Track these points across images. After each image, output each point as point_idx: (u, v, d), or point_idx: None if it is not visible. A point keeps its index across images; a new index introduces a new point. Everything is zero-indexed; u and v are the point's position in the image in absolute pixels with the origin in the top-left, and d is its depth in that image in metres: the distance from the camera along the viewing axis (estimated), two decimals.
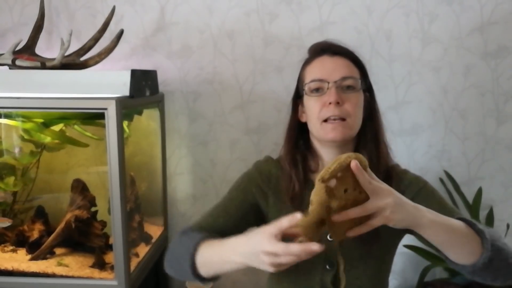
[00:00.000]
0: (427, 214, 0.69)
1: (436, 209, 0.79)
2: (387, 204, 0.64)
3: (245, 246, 0.66)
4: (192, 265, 0.75)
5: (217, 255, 0.73)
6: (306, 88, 0.86)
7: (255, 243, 0.63)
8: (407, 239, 1.44)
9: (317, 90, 0.84)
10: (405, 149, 1.46)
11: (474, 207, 1.40)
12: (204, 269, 0.75)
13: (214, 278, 0.79)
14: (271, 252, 0.60)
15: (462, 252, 0.72)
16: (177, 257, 0.80)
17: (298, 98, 0.91)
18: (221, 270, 0.74)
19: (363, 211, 0.65)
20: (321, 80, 0.83)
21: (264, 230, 0.62)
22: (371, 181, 0.65)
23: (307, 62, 0.90)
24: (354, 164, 0.63)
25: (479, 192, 1.43)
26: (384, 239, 0.87)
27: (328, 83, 0.82)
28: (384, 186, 0.67)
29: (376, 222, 0.65)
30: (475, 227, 0.73)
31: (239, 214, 0.88)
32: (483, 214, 1.45)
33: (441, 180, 1.44)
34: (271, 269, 0.62)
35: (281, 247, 0.59)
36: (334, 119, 0.82)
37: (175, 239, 0.86)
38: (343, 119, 0.82)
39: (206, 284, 0.79)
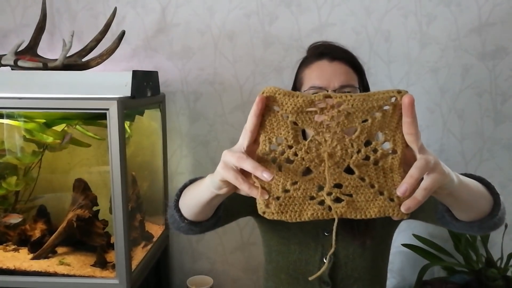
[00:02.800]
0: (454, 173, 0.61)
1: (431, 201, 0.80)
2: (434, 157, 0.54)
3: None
4: (176, 206, 0.75)
5: (195, 185, 0.72)
6: None
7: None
8: (406, 237, 1.46)
9: None
10: None
11: None
12: (184, 207, 0.74)
13: (202, 224, 0.75)
14: (226, 157, 0.53)
15: (475, 211, 0.68)
16: (170, 204, 0.80)
17: None
18: (196, 203, 0.69)
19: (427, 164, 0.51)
20: (320, 88, 0.84)
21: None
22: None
23: (305, 63, 0.90)
24: (408, 99, 0.50)
25: None
26: (379, 230, 0.88)
27: (327, 91, 0.83)
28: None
29: (436, 178, 0.51)
30: (490, 186, 0.71)
31: (236, 199, 0.87)
32: None
33: None
34: (218, 177, 0.55)
35: (236, 155, 0.51)
36: None
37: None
38: None
39: (189, 225, 0.76)
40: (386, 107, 0.52)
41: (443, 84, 1.43)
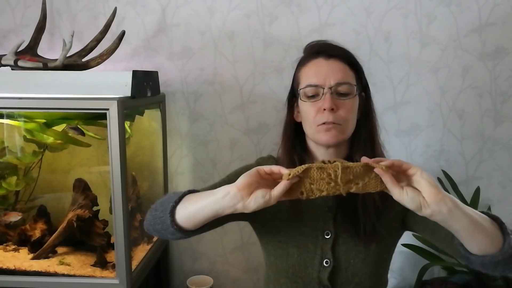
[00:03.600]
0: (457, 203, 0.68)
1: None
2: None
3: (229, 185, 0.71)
4: (172, 211, 0.75)
5: (200, 196, 0.75)
6: (301, 92, 0.86)
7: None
8: (406, 238, 1.46)
9: (312, 96, 0.84)
10: (404, 149, 1.48)
11: (472, 206, 1.39)
12: (183, 214, 0.75)
13: (186, 232, 0.77)
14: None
15: (480, 243, 0.69)
16: (163, 202, 0.80)
17: (293, 97, 0.92)
18: (199, 213, 0.73)
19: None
20: (316, 86, 0.83)
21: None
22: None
23: (302, 63, 0.90)
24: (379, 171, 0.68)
25: (477, 192, 1.44)
26: (384, 238, 0.87)
27: (323, 88, 0.82)
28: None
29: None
30: (498, 220, 0.72)
31: None
32: None
33: (439, 180, 1.46)
34: (234, 190, 0.69)
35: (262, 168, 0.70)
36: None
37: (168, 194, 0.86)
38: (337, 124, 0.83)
39: (178, 232, 0.77)
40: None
41: (443, 84, 1.43)
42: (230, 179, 0.89)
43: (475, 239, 0.69)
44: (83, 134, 1.25)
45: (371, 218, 0.85)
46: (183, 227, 0.76)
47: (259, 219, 0.92)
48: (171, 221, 0.75)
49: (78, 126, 1.25)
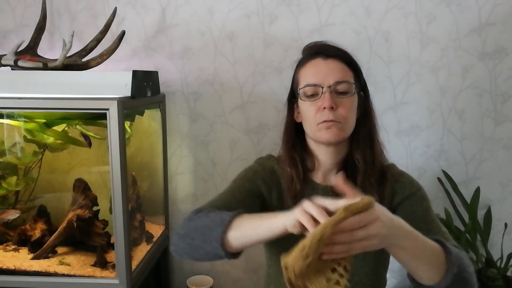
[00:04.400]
0: (406, 227, 0.66)
1: (419, 215, 0.81)
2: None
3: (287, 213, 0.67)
4: (222, 235, 0.71)
5: (257, 221, 0.71)
6: (300, 92, 0.86)
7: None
8: None
9: (312, 95, 0.85)
10: (404, 149, 1.48)
11: (472, 206, 1.41)
12: (235, 237, 0.71)
13: (236, 254, 0.74)
14: (306, 205, 0.63)
15: (427, 272, 0.68)
16: (203, 230, 0.75)
17: (293, 98, 0.92)
18: (253, 237, 0.70)
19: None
20: (315, 85, 0.84)
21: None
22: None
23: (301, 64, 0.90)
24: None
25: (477, 192, 1.44)
26: None
27: (322, 88, 0.83)
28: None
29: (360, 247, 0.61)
30: (446, 249, 0.69)
31: (247, 202, 0.87)
32: (481, 213, 1.46)
33: (439, 180, 1.46)
34: (296, 219, 0.63)
35: (317, 201, 0.62)
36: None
37: (193, 216, 0.80)
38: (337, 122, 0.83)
39: (229, 258, 0.74)
40: None
41: (443, 84, 1.43)
42: (239, 185, 0.89)
43: (420, 265, 0.67)
44: (90, 144, 1.25)
45: None
46: (234, 252, 0.73)
47: None
48: (221, 245, 0.71)
49: (86, 134, 1.25)
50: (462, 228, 1.41)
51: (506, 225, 1.43)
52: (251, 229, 0.71)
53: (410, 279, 0.72)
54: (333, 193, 0.85)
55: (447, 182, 1.44)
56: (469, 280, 0.70)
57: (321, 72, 0.84)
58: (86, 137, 1.24)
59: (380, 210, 0.62)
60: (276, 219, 0.67)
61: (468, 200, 1.43)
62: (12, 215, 1.27)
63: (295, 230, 0.63)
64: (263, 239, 0.69)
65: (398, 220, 0.65)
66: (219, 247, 0.71)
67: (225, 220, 0.73)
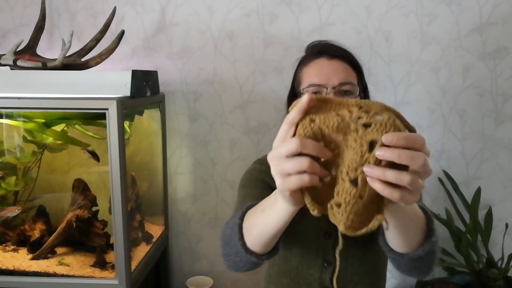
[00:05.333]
0: None
1: None
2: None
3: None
4: (240, 237, 0.69)
5: (260, 210, 0.67)
6: (304, 92, 0.86)
7: None
8: None
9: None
10: None
11: (473, 206, 1.41)
12: (253, 241, 0.68)
13: (270, 252, 0.71)
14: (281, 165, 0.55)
15: (411, 237, 0.65)
16: (228, 241, 0.73)
17: (293, 96, 0.92)
18: (268, 235, 0.66)
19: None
20: (319, 86, 0.83)
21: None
22: None
23: (304, 62, 0.90)
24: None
25: (478, 192, 1.43)
26: (378, 234, 0.88)
27: (327, 88, 0.83)
28: None
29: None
30: (428, 216, 0.67)
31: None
32: (482, 213, 1.45)
33: (440, 180, 1.45)
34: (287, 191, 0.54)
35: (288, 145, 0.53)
36: None
37: (223, 229, 0.78)
38: None
39: (266, 259, 0.70)
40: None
41: (444, 83, 1.42)
42: (251, 191, 0.88)
43: (406, 233, 0.64)
44: (98, 159, 1.24)
45: None
46: (265, 252, 0.69)
47: None
48: (244, 247, 0.68)
49: (76, 126, 1.24)
50: (463, 228, 1.40)
51: (507, 225, 1.42)
52: (259, 228, 0.67)
53: (384, 245, 0.69)
54: None
55: (448, 182, 1.44)
56: (437, 253, 0.69)
57: (325, 72, 0.84)
58: (93, 153, 1.24)
59: None
60: (272, 202, 0.62)
61: (469, 200, 1.42)
62: (13, 212, 1.27)
63: (291, 199, 0.56)
64: (277, 230, 0.64)
65: None
66: (249, 256, 0.68)
67: (236, 223, 0.70)
